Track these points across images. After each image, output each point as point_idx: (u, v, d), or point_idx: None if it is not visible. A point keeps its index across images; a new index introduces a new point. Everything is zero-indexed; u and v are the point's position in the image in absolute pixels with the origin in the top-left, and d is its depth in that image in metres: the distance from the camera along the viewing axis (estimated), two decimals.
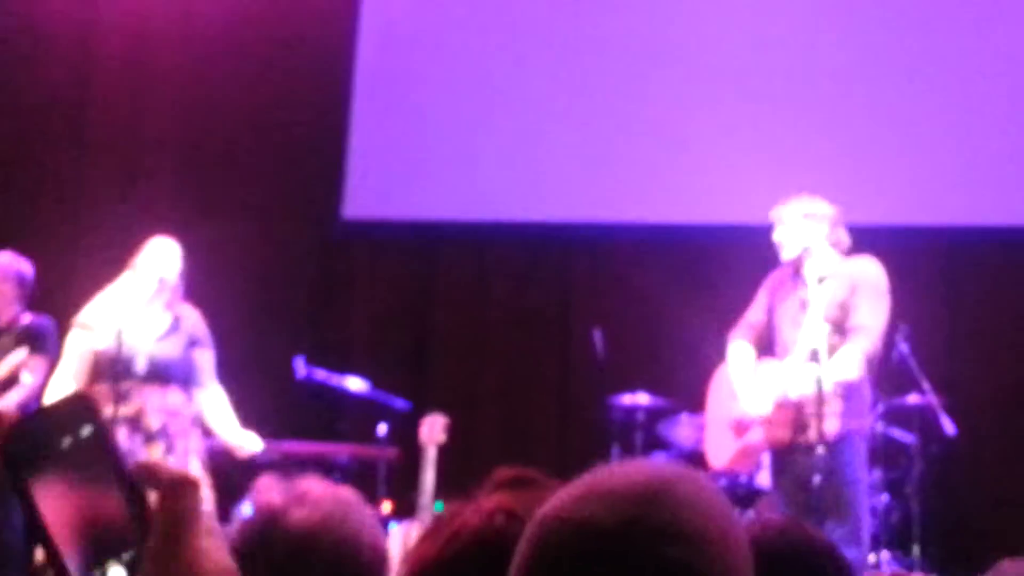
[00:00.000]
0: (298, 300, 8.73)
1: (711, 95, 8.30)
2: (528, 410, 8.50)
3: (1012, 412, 7.81)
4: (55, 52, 8.83)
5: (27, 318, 6.42)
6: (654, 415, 7.44)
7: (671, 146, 8.34)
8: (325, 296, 8.81)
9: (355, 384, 7.32)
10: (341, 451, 7.25)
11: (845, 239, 5.99)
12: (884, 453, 6.87)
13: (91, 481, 1.15)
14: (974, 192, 8.01)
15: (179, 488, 1.08)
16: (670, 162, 8.34)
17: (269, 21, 8.81)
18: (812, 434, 5.63)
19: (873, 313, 5.81)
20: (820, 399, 5.62)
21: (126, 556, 1.12)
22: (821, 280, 5.84)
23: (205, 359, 6.32)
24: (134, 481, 1.13)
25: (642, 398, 7.42)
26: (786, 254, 5.98)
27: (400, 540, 6.51)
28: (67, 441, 1.17)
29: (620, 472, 1.40)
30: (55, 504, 1.14)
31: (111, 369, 6.03)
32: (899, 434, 7.02)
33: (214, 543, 1.10)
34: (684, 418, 7.32)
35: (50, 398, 5.95)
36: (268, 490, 2.20)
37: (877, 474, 6.75)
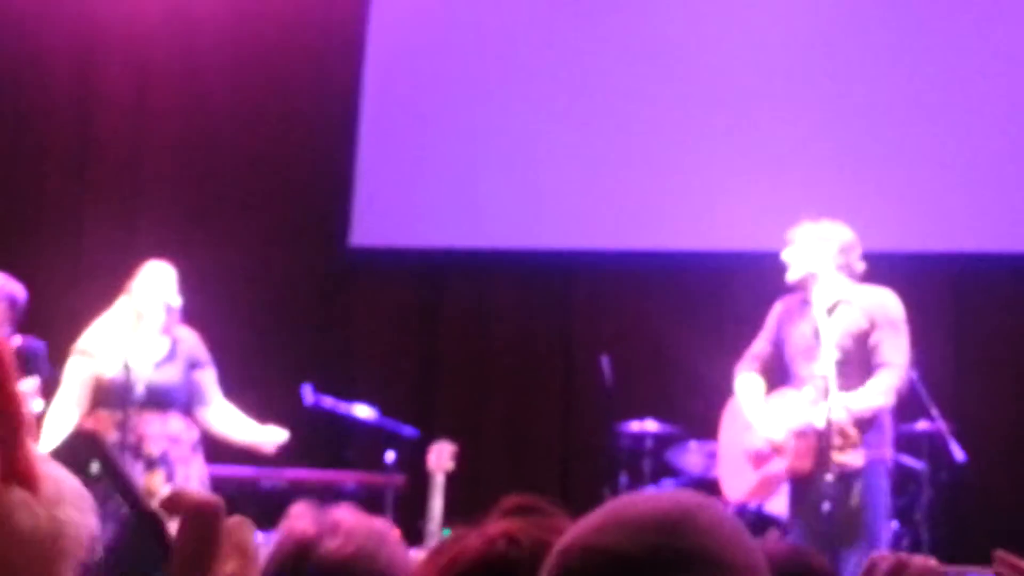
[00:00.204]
0: (305, 328, 8.73)
1: (716, 122, 8.31)
2: (535, 437, 8.49)
3: (1021, 438, 7.79)
4: (56, 83, 8.84)
5: (18, 340, 6.41)
6: (662, 442, 7.43)
7: (675, 173, 8.34)
8: (332, 324, 8.81)
9: (362, 411, 7.31)
10: (348, 478, 7.24)
11: (859, 265, 5.95)
12: (894, 480, 6.84)
13: (109, 518, 1.15)
14: (982, 218, 8.00)
15: (203, 514, 1.07)
16: (674, 189, 8.34)
17: (274, 50, 8.82)
18: (834, 464, 5.60)
19: (897, 349, 5.80)
20: (842, 429, 5.61)
21: None
22: (833, 307, 5.83)
23: (208, 378, 6.32)
24: (151, 510, 1.13)
25: (650, 425, 7.40)
26: (791, 275, 5.95)
27: None
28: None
29: (641, 501, 1.40)
30: None
31: (112, 396, 6.03)
32: (909, 461, 7.00)
33: (242, 565, 1.09)
34: (692, 445, 7.30)
35: (50, 424, 5.95)
36: (301, 518, 2.17)
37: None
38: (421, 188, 8.73)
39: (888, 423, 5.90)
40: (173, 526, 1.19)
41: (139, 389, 6.00)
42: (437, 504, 6.71)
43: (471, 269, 8.77)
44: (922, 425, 6.93)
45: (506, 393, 8.58)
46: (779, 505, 6.36)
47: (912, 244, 7.91)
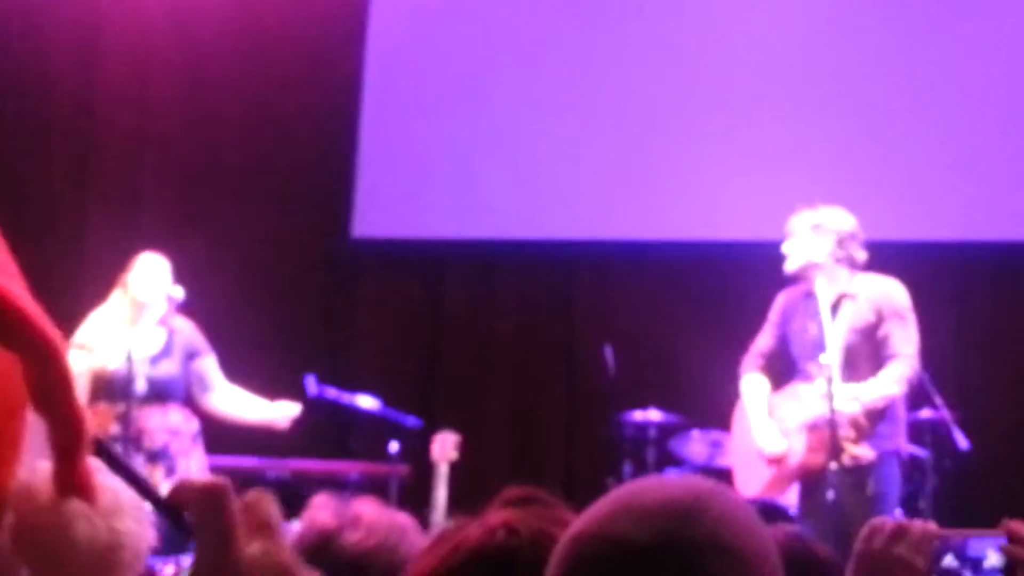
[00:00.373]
0: (308, 319, 8.73)
1: (717, 111, 8.29)
2: (539, 427, 8.50)
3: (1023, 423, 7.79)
4: (58, 79, 8.82)
5: None
6: (665, 432, 7.42)
7: (677, 163, 8.34)
8: (335, 314, 8.82)
9: (366, 402, 7.31)
10: (352, 469, 7.24)
11: (860, 254, 5.91)
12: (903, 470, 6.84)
13: None
14: (984, 207, 7.99)
15: (211, 497, 1.06)
16: (675, 179, 8.33)
17: (275, 42, 8.81)
18: (847, 456, 5.58)
19: (907, 339, 5.77)
20: (855, 421, 5.60)
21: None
22: (837, 301, 5.80)
23: (209, 364, 6.31)
24: (166, 498, 1.12)
25: (653, 415, 7.40)
26: (789, 265, 5.91)
27: None
28: None
29: (651, 488, 1.40)
30: None
31: (113, 389, 6.03)
32: (913, 449, 7.00)
33: (270, 541, 1.07)
34: (695, 434, 7.30)
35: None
36: (323, 510, 2.17)
37: None
38: (423, 179, 8.72)
39: (901, 414, 5.88)
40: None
41: (139, 383, 6.00)
42: (441, 494, 6.72)
43: (474, 259, 8.77)
44: (926, 413, 6.93)
45: (509, 383, 8.58)
46: (789, 496, 6.34)
47: (914, 233, 7.90)
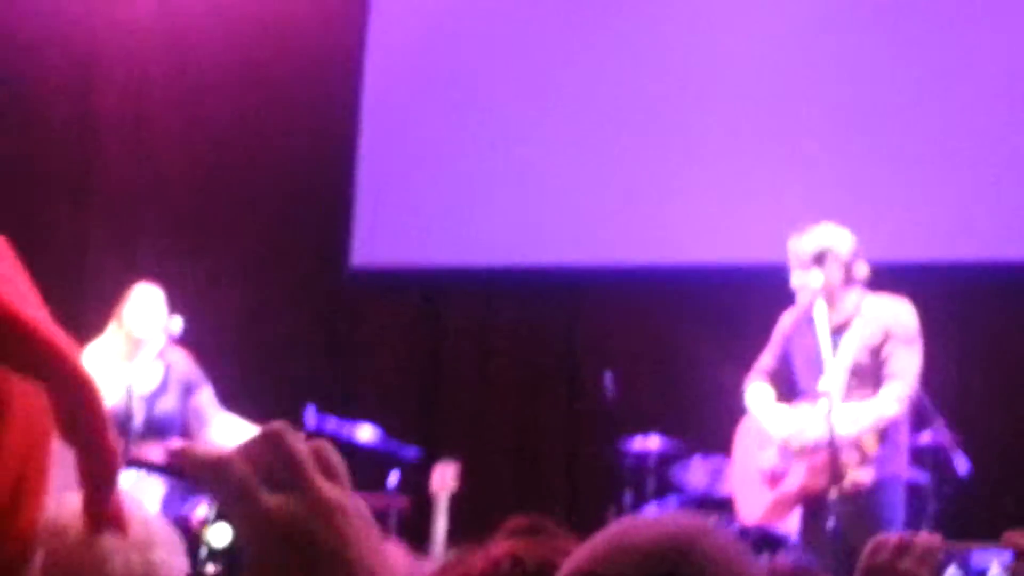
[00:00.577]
0: (307, 349, 8.72)
1: (717, 134, 8.30)
2: (539, 455, 8.47)
3: None
4: (56, 110, 8.84)
5: None
6: (666, 459, 7.39)
7: (677, 186, 8.33)
8: (334, 345, 8.80)
9: (365, 433, 7.29)
10: None
11: (862, 270, 5.89)
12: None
13: None
14: (986, 227, 7.98)
15: (218, 471, 1.02)
16: (676, 202, 8.33)
17: (273, 71, 8.83)
18: (847, 480, 5.56)
19: (909, 362, 5.76)
20: (858, 444, 5.59)
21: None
22: (846, 322, 5.79)
23: (205, 398, 6.28)
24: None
25: (653, 441, 7.37)
26: (802, 298, 5.89)
27: None
28: None
29: (643, 526, 1.41)
30: None
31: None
32: (914, 474, 6.97)
33: (335, 488, 1.05)
34: (696, 462, 7.27)
35: None
36: None
37: None
38: (421, 207, 8.72)
39: (904, 438, 5.87)
40: None
41: (138, 420, 5.97)
42: (441, 525, 6.69)
43: (472, 287, 8.76)
44: (926, 437, 6.90)
45: (510, 412, 8.56)
46: (790, 524, 6.31)
47: (914, 253, 7.89)
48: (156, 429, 6.05)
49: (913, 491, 6.96)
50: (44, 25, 8.78)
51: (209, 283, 8.09)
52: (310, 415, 7.12)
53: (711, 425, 6.62)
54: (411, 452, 7.29)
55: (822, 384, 5.68)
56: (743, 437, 6.16)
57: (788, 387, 6.03)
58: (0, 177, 8.69)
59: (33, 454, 1.55)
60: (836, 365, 5.73)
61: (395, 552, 2.20)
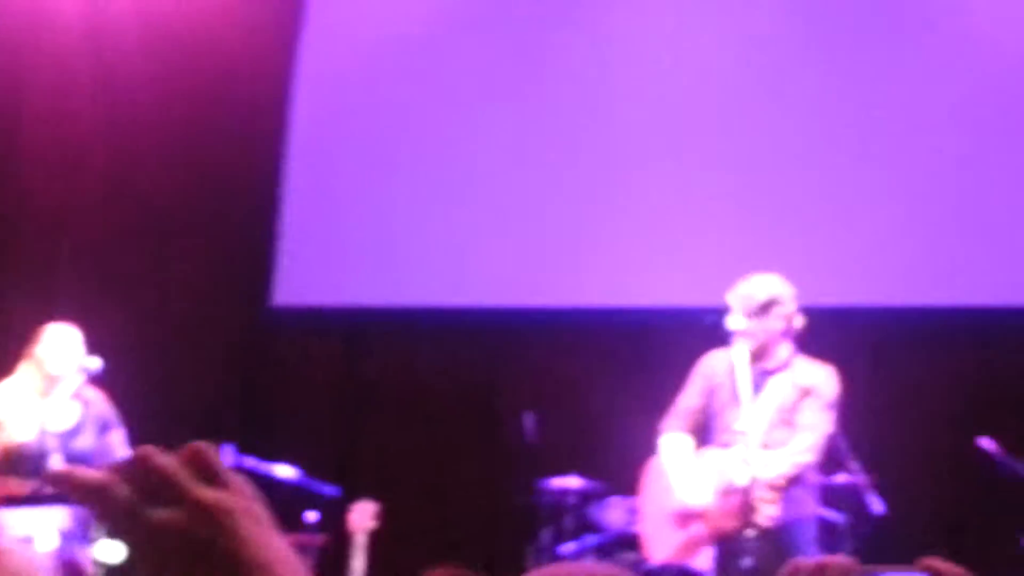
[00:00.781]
0: (227, 388, 8.67)
1: (636, 179, 8.37)
2: (458, 495, 8.47)
3: (940, 489, 7.88)
4: None
5: None
6: (585, 498, 7.42)
7: (594, 231, 8.39)
8: (254, 384, 8.76)
9: (284, 471, 7.26)
10: None
11: (799, 325, 5.98)
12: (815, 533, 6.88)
13: None
14: (900, 273, 8.11)
15: (94, 493, 1.02)
16: (593, 246, 8.39)
17: (199, 105, 8.80)
18: (759, 522, 5.63)
19: (822, 420, 5.88)
20: (769, 485, 5.66)
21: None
22: (773, 371, 5.87)
23: (117, 440, 6.24)
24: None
25: (573, 481, 7.40)
26: (748, 345, 5.92)
27: None
28: None
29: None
30: None
31: (26, 464, 5.92)
32: (829, 514, 7.05)
33: (217, 491, 1.05)
34: (615, 501, 7.30)
35: None
36: None
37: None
38: (344, 247, 8.73)
39: (813, 479, 5.96)
40: None
41: (55, 459, 5.90)
42: (359, 564, 6.66)
43: (393, 327, 8.76)
44: (841, 478, 6.98)
45: (429, 451, 8.55)
46: (703, 560, 6.36)
47: (831, 298, 7.99)
48: (75, 465, 5.98)
49: (829, 529, 7.03)
50: None
51: (129, 322, 8.02)
52: (228, 454, 7.07)
53: (629, 465, 6.64)
54: (330, 490, 7.26)
55: (739, 424, 5.75)
56: (653, 477, 6.20)
57: (707, 426, 6.08)
58: None
59: None
60: (758, 409, 5.81)
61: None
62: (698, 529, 5.93)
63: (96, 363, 6.14)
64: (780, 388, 5.87)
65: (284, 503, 7.63)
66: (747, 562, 5.59)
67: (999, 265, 8.06)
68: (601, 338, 8.38)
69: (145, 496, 0.99)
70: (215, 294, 8.71)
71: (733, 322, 5.87)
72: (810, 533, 5.87)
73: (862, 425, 7.48)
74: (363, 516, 6.80)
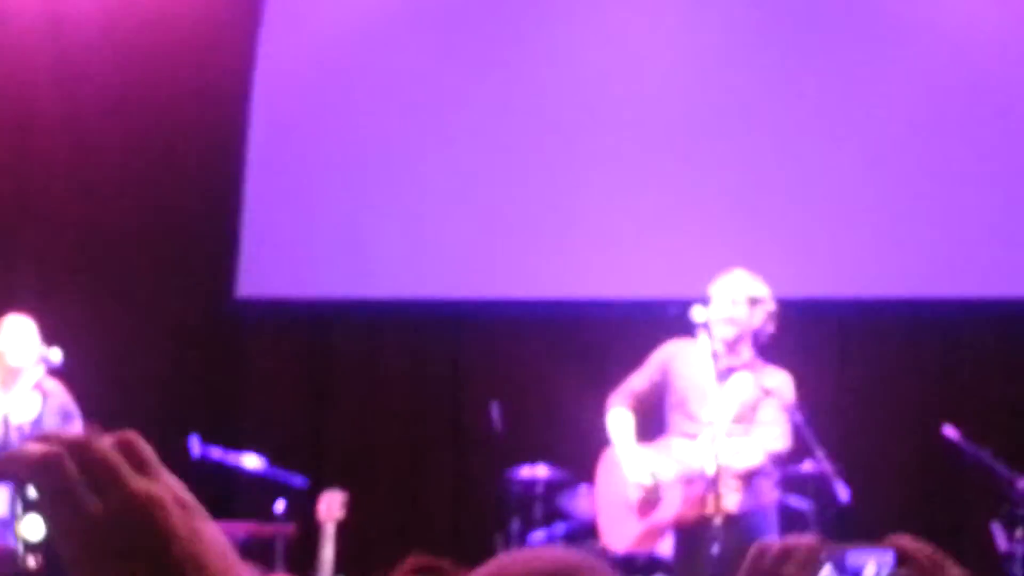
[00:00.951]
0: (192, 379, 8.64)
1: (599, 171, 8.38)
2: (426, 485, 8.48)
3: (905, 477, 7.94)
4: None
5: None
6: (553, 487, 7.44)
7: (559, 223, 8.40)
8: (219, 375, 8.74)
9: (251, 462, 7.25)
10: (238, 529, 7.16)
11: (770, 328, 6.04)
12: (781, 520, 6.92)
13: None
14: (868, 264, 8.15)
15: (45, 469, 1.02)
16: (559, 239, 8.40)
17: (160, 98, 8.76)
18: (720, 509, 5.67)
19: (781, 419, 5.94)
20: (731, 473, 5.71)
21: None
22: (737, 368, 5.90)
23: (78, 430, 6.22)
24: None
25: (541, 470, 7.41)
26: (725, 333, 5.93)
27: None
28: None
29: (521, 561, 1.42)
30: None
31: None
32: (795, 501, 7.09)
33: (149, 482, 1.05)
34: (583, 489, 7.32)
35: None
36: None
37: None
38: (308, 239, 8.71)
39: (773, 467, 6.01)
40: None
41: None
42: (328, 554, 6.67)
43: (359, 318, 8.76)
44: (807, 466, 7.02)
45: (396, 442, 8.56)
46: (665, 547, 6.39)
47: (794, 289, 8.02)
48: None
49: (795, 517, 7.08)
50: None
51: (94, 313, 7.99)
52: (194, 444, 7.06)
53: (596, 454, 6.66)
54: (298, 481, 7.26)
55: (707, 414, 5.78)
56: (609, 466, 6.22)
57: (656, 417, 6.11)
58: None
59: None
60: (725, 400, 5.84)
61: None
62: (660, 517, 5.96)
63: (57, 355, 6.12)
64: (744, 384, 5.91)
65: (252, 494, 7.64)
66: (716, 549, 5.62)
67: (964, 257, 8.11)
68: (567, 329, 8.40)
69: (83, 479, 0.98)
70: (180, 285, 8.68)
71: (699, 314, 5.88)
72: (772, 520, 5.92)
73: (829, 413, 7.53)
74: (331, 506, 6.80)
